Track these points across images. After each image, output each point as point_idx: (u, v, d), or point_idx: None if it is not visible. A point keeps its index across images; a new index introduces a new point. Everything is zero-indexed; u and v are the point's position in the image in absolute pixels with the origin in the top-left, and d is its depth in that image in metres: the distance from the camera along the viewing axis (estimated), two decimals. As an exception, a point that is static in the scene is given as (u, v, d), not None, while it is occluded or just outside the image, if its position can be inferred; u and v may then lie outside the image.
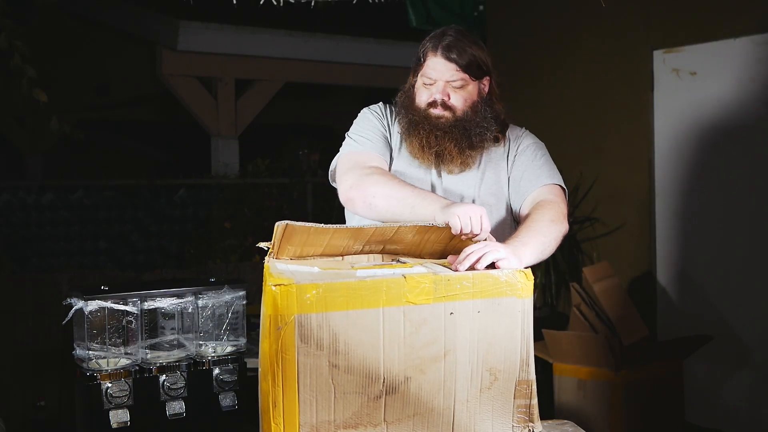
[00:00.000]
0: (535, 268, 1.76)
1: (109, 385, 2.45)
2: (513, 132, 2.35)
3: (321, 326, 1.54)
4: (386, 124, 2.29)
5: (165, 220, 6.16)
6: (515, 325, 1.66)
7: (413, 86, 2.24)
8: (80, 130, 4.56)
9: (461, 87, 2.17)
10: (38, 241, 5.75)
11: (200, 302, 2.63)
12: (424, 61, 2.17)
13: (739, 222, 4.11)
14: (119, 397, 2.46)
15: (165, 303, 2.58)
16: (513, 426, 1.68)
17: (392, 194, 2.04)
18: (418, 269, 1.73)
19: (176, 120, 8.68)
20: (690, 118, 4.29)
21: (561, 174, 2.37)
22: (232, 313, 2.67)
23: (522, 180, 2.26)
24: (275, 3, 2.75)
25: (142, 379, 2.51)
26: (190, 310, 2.62)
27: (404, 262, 1.89)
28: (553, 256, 4.64)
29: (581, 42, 4.83)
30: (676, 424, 3.83)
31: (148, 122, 10.19)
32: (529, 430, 1.68)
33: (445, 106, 2.16)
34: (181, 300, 2.60)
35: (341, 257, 2.01)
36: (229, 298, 2.65)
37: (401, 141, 2.26)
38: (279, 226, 1.72)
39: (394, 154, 2.26)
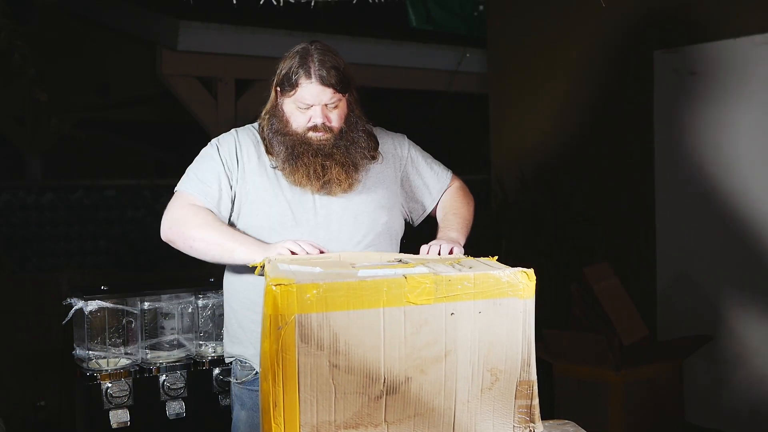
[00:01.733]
0: (534, 268, 1.75)
1: (109, 385, 2.45)
2: (383, 139, 2.34)
3: (321, 326, 1.54)
4: (229, 162, 2.22)
5: (165, 220, 6.15)
6: (516, 325, 1.66)
7: (282, 108, 2.20)
8: (80, 130, 4.56)
9: (336, 106, 2.18)
10: (38, 241, 5.75)
11: (200, 302, 2.64)
12: (297, 86, 2.13)
13: (739, 222, 4.11)
14: (119, 397, 2.46)
15: (165, 303, 2.58)
16: (514, 426, 1.68)
17: (212, 240, 2.09)
18: (420, 269, 1.73)
19: (176, 120, 8.67)
20: (690, 118, 4.29)
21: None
22: (232, 313, 2.66)
23: (428, 186, 2.40)
24: (275, 3, 2.74)
25: (142, 379, 2.51)
26: (190, 310, 2.62)
27: (406, 262, 1.89)
28: (554, 256, 4.65)
29: (581, 42, 4.83)
30: (676, 424, 3.82)
31: (148, 122, 10.18)
32: (530, 430, 1.68)
33: (325, 127, 2.16)
34: (181, 300, 2.60)
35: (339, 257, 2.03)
36: (229, 298, 2.64)
37: (272, 166, 2.21)
38: (267, 260, 1.84)
39: (262, 177, 2.21)
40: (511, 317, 1.65)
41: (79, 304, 2.44)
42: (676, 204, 4.36)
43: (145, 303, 2.54)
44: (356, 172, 2.20)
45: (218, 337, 2.64)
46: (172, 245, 2.20)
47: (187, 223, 2.13)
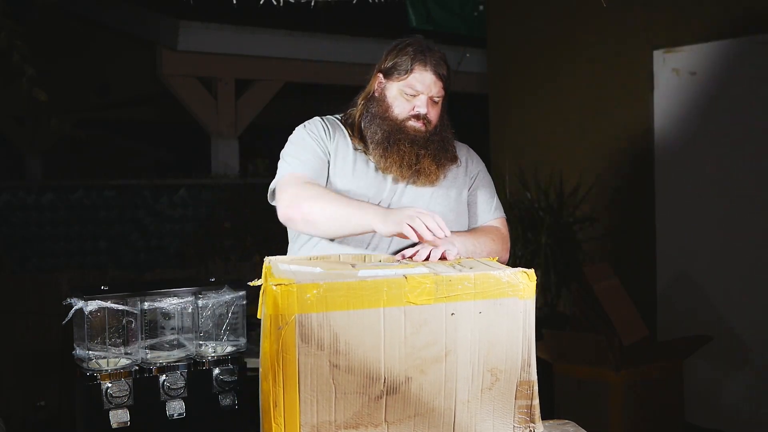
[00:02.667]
0: (534, 268, 1.76)
1: (109, 385, 2.45)
2: (458, 145, 2.35)
3: (322, 326, 1.54)
4: (323, 143, 2.22)
5: (165, 220, 6.16)
6: (517, 325, 1.66)
7: (384, 92, 2.22)
8: (80, 130, 4.56)
9: (438, 102, 2.21)
10: (38, 241, 5.75)
11: (200, 302, 2.63)
12: (410, 71, 2.16)
13: (739, 222, 4.11)
14: (119, 397, 2.45)
15: (165, 303, 2.58)
16: (514, 426, 1.68)
17: (328, 208, 2.04)
18: (420, 269, 1.73)
19: (176, 120, 8.68)
20: (690, 118, 4.29)
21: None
22: (232, 313, 2.67)
23: (478, 209, 2.33)
24: (275, 3, 2.74)
25: (142, 379, 2.51)
26: (190, 310, 2.62)
27: (406, 263, 1.89)
28: (554, 256, 4.65)
29: (581, 42, 4.83)
30: (676, 424, 3.82)
31: (148, 122, 10.19)
32: (531, 430, 1.68)
33: (426, 119, 2.18)
34: (181, 300, 2.60)
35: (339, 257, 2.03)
36: (229, 298, 2.65)
37: (354, 151, 2.21)
38: (267, 260, 1.78)
39: (344, 163, 2.20)
40: (511, 317, 1.65)
41: (79, 304, 2.44)
42: (676, 204, 4.36)
43: (145, 303, 2.54)
44: (444, 168, 2.21)
45: (218, 337, 2.64)
46: (291, 225, 2.16)
47: (303, 197, 2.08)
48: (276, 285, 1.52)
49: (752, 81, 4.02)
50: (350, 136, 2.24)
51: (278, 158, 2.27)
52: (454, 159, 2.25)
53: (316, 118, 2.30)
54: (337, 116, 2.33)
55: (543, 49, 5.07)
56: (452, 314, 1.61)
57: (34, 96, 3.83)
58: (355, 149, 2.22)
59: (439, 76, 2.17)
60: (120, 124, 10.34)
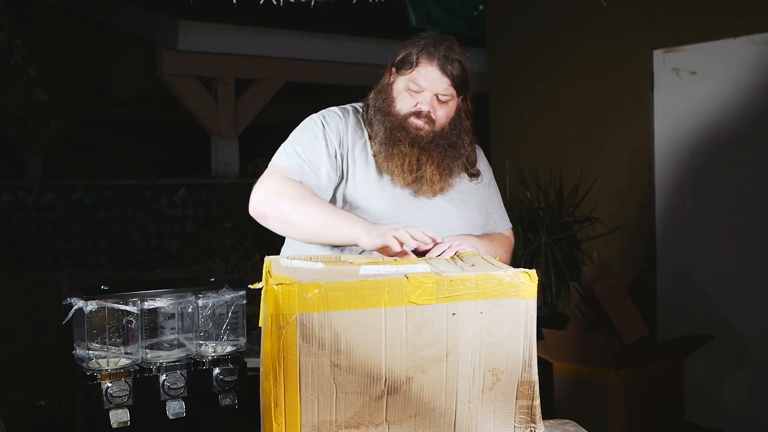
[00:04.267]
0: (535, 268, 1.76)
1: (109, 385, 2.45)
2: (482, 162, 2.29)
3: (323, 326, 1.54)
4: (333, 141, 2.10)
5: (165, 220, 6.16)
6: (518, 326, 1.65)
7: (391, 86, 2.13)
8: (80, 130, 4.56)
9: (446, 102, 2.10)
10: (38, 241, 5.75)
11: (200, 302, 2.63)
12: (416, 66, 2.05)
13: (739, 222, 4.11)
14: (119, 397, 2.45)
15: (165, 303, 2.58)
16: (515, 426, 1.68)
17: (310, 213, 1.94)
18: (422, 267, 1.72)
19: (176, 120, 8.68)
20: (690, 117, 4.29)
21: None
22: (232, 313, 2.67)
23: (489, 219, 2.27)
24: (275, 3, 2.74)
25: (142, 379, 2.51)
26: (190, 310, 2.62)
27: (408, 259, 1.89)
28: (554, 256, 4.66)
29: (581, 42, 4.83)
30: (676, 423, 3.83)
31: (148, 122, 10.19)
32: (531, 430, 1.68)
33: (429, 118, 2.08)
34: (181, 300, 2.60)
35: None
36: (229, 297, 2.65)
37: (368, 150, 2.12)
38: (267, 260, 1.73)
39: (361, 162, 2.11)
40: (512, 318, 1.65)
41: (79, 304, 2.44)
42: (676, 204, 4.36)
43: (145, 303, 2.54)
44: (450, 176, 2.11)
45: (218, 337, 2.64)
46: (261, 220, 2.04)
47: (283, 196, 1.97)
48: (277, 284, 1.52)
49: (752, 81, 4.02)
50: (368, 133, 2.15)
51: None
52: (466, 169, 2.16)
53: (337, 109, 2.19)
54: (359, 106, 2.23)
55: (543, 48, 5.07)
56: (453, 314, 1.61)
57: (34, 96, 3.83)
58: (371, 146, 2.12)
59: (447, 73, 2.05)
60: (120, 124, 10.34)
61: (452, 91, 2.09)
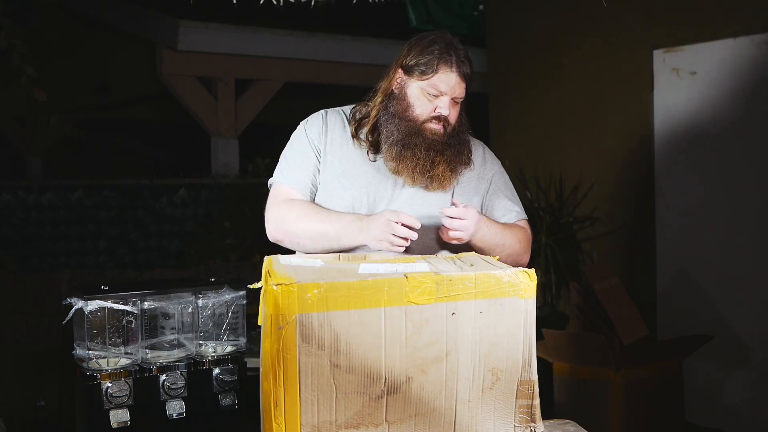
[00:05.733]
0: (535, 268, 1.76)
1: (109, 385, 2.45)
2: (474, 147, 2.28)
3: (322, 326, 1.54)
4: (316, 143, 2.19)
5: (165, 220, 6.16)
6: (517, 325, 1.65)
7: (404, 89, 2.15)
8: (80, 130, 4.56)
9: (458, 103, 2.16)
10: (38, 241, 5.75)
11: (200, 302, 2.63)
12: (436, 71, 2.08)
13: (739, 222, 4.11)
14: (119, 397, 2.45)
15: (165, 303, 2.58)
16: (515, 426, 1.68)
17: (314, 232, 2.09)
18: (421, 266, 1.73)
19: (176, 120, 8.68)
20: (690, 118, 4.29)
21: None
22: (232, 313, 2.67)
23: (496, 213, 2.27)
24: (275, 3, 2.74)
25: (142, 379, 2.51)
26: (190, 310, 2.62)
27: (407, 257, 1.90)
28: (554, 256, 4.66)
29: (581, 42, 4.83)
30: (676, 423, 3.82)
31: (148, 122, 10.19)
32: (531, 430, 1.68)
33: (446, 121, 2.13)
34: (181, 300, 2.60)
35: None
36: (229, 298, 2.65)
37: (353, 146, 2.18)
38: (267, 260, 1.77)
39: (341, 160, 2.18)
40: (512, 317, 1.65)
41: (79, 304, 2.44)
42: (676, 204, 4.36)
43: (145, 303, 2.54)
44: (457, 173, 2.16)
45: (218, 337, 2.64)
46: (282, 245, 2.19)
47: (286, 220, 2.13)
48: (277, 285, 1.52)
49: (752, 81, 4.02)
50: (352, 134, 2.20)
51: (279, 158, 2.27)
52: (467, 163, 2.19)
53: (319, 113, 2.26)
54: (346, 108, 2.28)
55: (543, 48, 5.07)
56: (453, 314, 1.61)
57: (33, 96, 3.83)
58: (354, 148, 2.18)
59: (464, 76, 2.11)
60: (120, 124, 10.34)
61: (464, 93, 2.15)
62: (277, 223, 2.15)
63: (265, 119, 7.50)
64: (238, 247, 5.97)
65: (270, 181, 2.25)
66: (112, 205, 6.03)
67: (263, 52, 6.86)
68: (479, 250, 2.08)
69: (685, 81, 4.29)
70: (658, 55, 4.42)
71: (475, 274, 1.63)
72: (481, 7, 5.76)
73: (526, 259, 2.25)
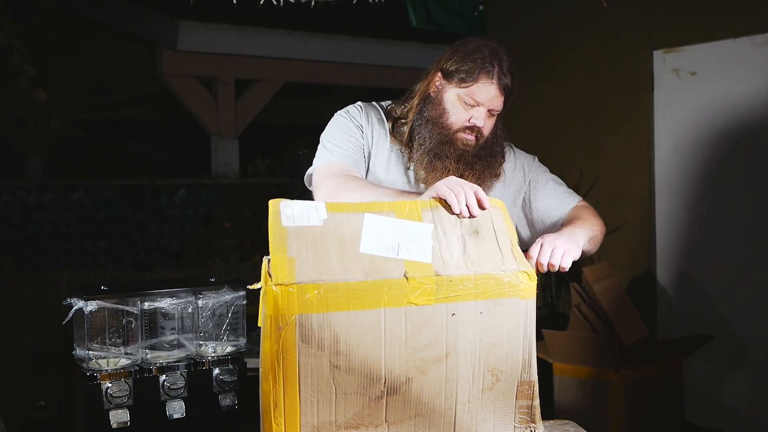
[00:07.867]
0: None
1: (109, 385, 2.45)
2: (508, 157, 2.22)
3: (322, 326, 1.54)
4: (363, 132, 2.14)
5: (165, 220, 6.16)
6: (517, 326, 1.65)
7: (441, 94, 2.10)
8: (80, 130, 4.56)
9: (494, 115, 2.11)
10: (38, 241, 5.75)
11: (200, 302, 2.63)
12: (475, 81, 2.03)
13: (739, 222, 4.11)
14: (119, 397, 2.45)
15: (165, 303, 2.58)
16: (515, 426, 1.68)
17: (374, 197, 1.93)
18: (426, 227, 1.67)
19: (176, 120, 8.68)
20: (690, 118, 4.29)
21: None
22: (232, 313, 2.67)
23: (552, 210, 2.18)
24: (275, 3, 2.74)
25: (142, 379, 2.51)
26: (190, 310, 2.62)
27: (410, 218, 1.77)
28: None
29: (581, 42, 4.83)
30: (676, 424, 3.82)
31: (148, 122, 10.19)
32: (531, 430, 1.68)
33: (479, 132, 2.08)
34: (181, 300, 2.60)
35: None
36: (229, 298, 2.65)
37: (390, 146, 2.12)
38: (265, 259, 1.70)
39: (382, 161, 2.12)
40: (512, 317, 1.65)
41: (79, 304, 2.44)
42: (676, 204, 4.36)
43: (145, 303, 2.54)
44: (486, 186, 2.09)
45: (218, 337, 2.64)
46: None
47: (340, 189, 1.97)
48: (276, 286, 1.52)
49: (752, 81, 4.02)
50: (390, 132, 2.15)
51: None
52: (497, 175, 2.13)
53: (357, 105, 2.20)
54: (383, 104, 2.23)
55: (543, 48, 5.07)
56: (453, 315, 1.61)
57: (33, 96, 3.83)
58: (391, 146, 2.14)
59: (503, 89, 2.06)
60: (120, 124, 10.33)
61: (503, 106, 2.10)
62: (331, 193, 1.98)
63: (265, 119, 7.49)
64: (238, 247, 5.97)
65: (310, 170, 2.14)
66: (112, 205, 6.03)
67: (263, 52, 6.86)
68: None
69: (685, 81, 4.29)
70: (658, 55, 4.42)
71: (475, 275, 1.62)
72: (481, 7, 5.76)
73: (604, 229, 2.13)
